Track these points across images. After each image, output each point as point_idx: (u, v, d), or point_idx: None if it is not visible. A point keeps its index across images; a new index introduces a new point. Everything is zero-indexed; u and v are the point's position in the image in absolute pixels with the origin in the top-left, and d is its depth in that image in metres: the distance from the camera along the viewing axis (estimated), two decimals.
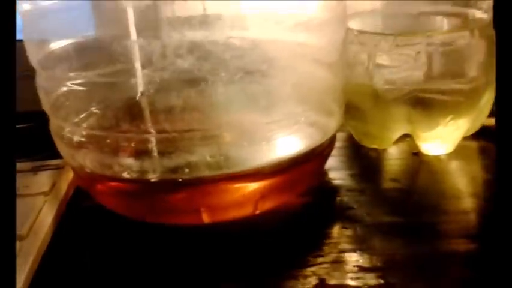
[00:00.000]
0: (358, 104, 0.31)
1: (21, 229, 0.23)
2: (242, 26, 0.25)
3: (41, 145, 0.32)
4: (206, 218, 0.24)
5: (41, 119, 0.27)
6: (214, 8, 0.24)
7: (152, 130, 0.22)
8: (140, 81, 0.24)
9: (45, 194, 0.26)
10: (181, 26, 0.24)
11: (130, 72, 0.24)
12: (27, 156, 0.33)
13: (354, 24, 0.31)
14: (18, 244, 0.22)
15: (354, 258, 0.22)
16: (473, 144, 0.33)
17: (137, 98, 0.24)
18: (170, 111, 0.24)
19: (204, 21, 0.24)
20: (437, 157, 0.31)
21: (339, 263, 0.22)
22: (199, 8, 0.24)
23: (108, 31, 0.25)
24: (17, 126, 0.36)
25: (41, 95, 0.26)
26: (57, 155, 0.27)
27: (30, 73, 0.27)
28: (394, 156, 0.32)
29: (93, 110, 0.25)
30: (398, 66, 0.29)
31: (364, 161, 0.32)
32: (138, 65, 0.24)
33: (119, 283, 0.22)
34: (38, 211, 0.24)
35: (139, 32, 0.24)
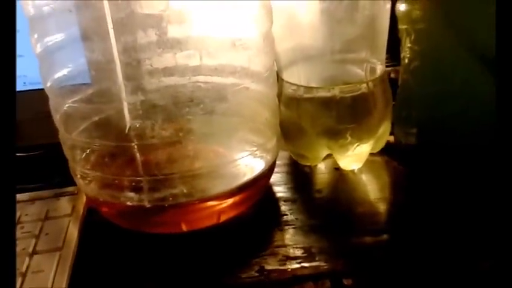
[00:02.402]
0: (293, 135, 0.42)
1: (58, 243, 0.33)
2: (206, 73, 0.35)
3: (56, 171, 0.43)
4: (185, 228, 0.35)
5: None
6: (183, 61, 0.33)
7: (146, 173, 0.33)
8: (128, 120, 0.34)
9: (68, 215, 0.36)
10: (158, 74, 0.34)
11: (118, 117, 0.33)
12: (43, 181, 0.43)
13: (290, 73, 0.42)
14: (58, 254, 0.32)
15: (284, 251, 0.33)
16: (379, 159, 0.44)
17: (126, 131, 0.34)
18: (154, 151, 0.34)
19: (176, 70, 0.34)
20: (351, 171, 0.43)
21: (274, 254, 0.33)
22: (171, 62, 0.34)
23: (99, 86, 0.35)
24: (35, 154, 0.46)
25: (63, 146, 0.36)
26: (70, 180, 0.37)
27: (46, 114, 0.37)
28: (322, 171, 0.43)
29: (95, 147, 0.35)
30: (318, 109, 0.40)
31: (300, 175, 0.43)
32: (125, 107, 0.34)
33: (126, 274, 0.32)
34: (66, 228, 0.35)
35: (124, 82, 0.33)
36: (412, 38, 0.37)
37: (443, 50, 0.35)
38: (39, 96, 0.41)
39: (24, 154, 0.49)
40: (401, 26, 0.39)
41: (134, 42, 0.32)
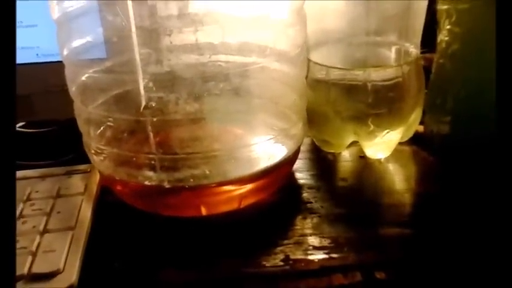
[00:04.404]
0: (317, 119, 0.40)
1: (70, 222, 0.31)
2: (228, 51, 0.32)
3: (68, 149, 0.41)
4: (204, 212, 0.33)
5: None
6: (204, 38, 0.31)
7: (167, 151, 0.31)
8: (144, 97, 0.32)
9: (81, 193, 0.34)
10: (177, 51, 0.32)
11: (137, 92, 0.31)
12: (55, 158, 0.41)
13: (318, 54, 0.39)
14: (70, 233, 0.30)
15: (309, 240, 0.31)
16: (407, 149, 0.42)
17: (141, 110, 0.32)
18: (174, 128, 0.33)
19: (196, 48, 0.32)
20: (378, 160, 0.40)
21: (299, 243, 0.31)
22: (191, 38, 0.32)
23: (117, 58, 0.33)
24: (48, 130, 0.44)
25: (77, 119, 0.34)
26: (82, 158, 0.36)
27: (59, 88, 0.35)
28: (346, 158, 0.41)
29: (112, 121, 0.33)
30: (347, 93, 0.37)
31: (323, 162, 0.41)
32: (142, 84, 0.32)
33: (141, 257, 0.30)
34: (79, 207, 0.33)
35: (143, 57, 0.31)
36: (453, 19, 0.35)
37: (488, 33, 0.32)
38: (52, 69, 0.39)
39: (35, 130, 0.47)
40: (441, 7, 0.36)
41: (154, 14, 0.30)
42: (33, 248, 0.29)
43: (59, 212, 0.32)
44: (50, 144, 0.44)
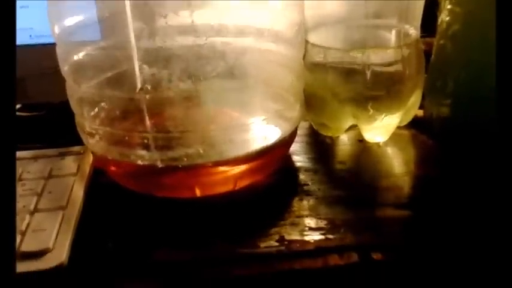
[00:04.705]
0: (315, 103, 0.39)
1: (61, 202, 0.31)
2: (224, 34, 0.32)
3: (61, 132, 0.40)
4: (198, 193, 0.32)
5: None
6: (200, 19, 0.31)
7: (160, 130, 0.30)
8: (139, 80, 0.31)
9: (73, 174, 0.34)
10: (173, 33, 0.31)
11: (131, 73, 0.31)
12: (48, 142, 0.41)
13: (317, 36, 0.39)
14: (61, 213, 0.30)
15: (305, 222, 0.31)
16: (406, 133, 0.41)
17: (137, 91, 0.31)
18: (168, 107, 0.32)
19: (192, 29, 0.31)
20: (376, 143, 0.40)
21: (295, 224, 0.30)
22: (187, 20, 0.31)
23: (112, 38, 0.32)
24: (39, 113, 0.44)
25: (70, 99, 0.33)
26: (76, 141, 0.35)
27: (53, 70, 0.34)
28: (344, 142, 0.41)
29: (105, 99, 0.32)
30: (345, 75, 0.37)
31: (321, 146, 0.40)
32: (137, 65, 0.31)
33: (133, 239, 0.30)
34: (71, 187, 0.32)
35: (138, 38, 0.31)
36: None
37: (489, 13, 0.31)
38: (46, 50, 0.39)
39: (28, 114, 0.46)
40: None
41: None
42: (23, 227, 0.28)
43: (50, 192, 0.32)
44: (43, 127, 0.44)
